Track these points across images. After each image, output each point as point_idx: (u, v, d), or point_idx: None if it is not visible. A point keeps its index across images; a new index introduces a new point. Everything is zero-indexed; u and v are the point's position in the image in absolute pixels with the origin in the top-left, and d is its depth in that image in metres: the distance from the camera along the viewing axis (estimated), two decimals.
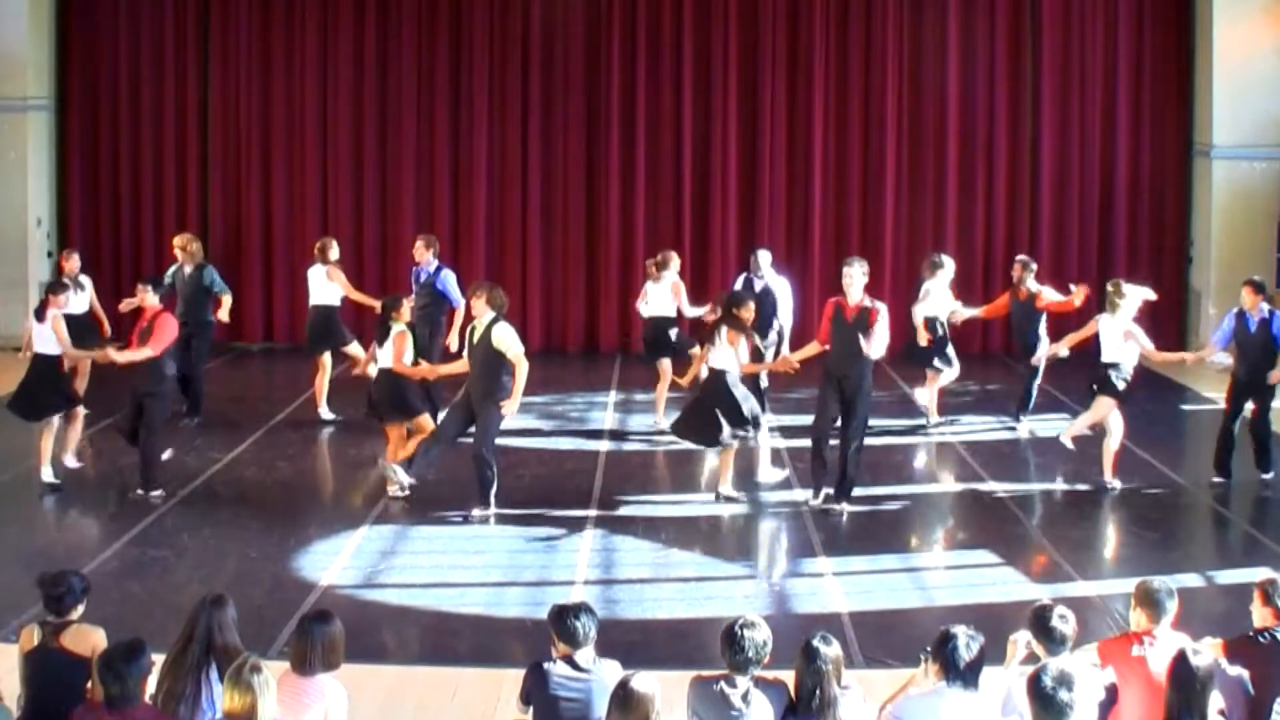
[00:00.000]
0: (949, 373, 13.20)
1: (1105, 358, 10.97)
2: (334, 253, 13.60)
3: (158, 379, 10.74)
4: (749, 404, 10.67)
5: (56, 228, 18.02)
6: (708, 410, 10.62)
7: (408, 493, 10.54)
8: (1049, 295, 13.01)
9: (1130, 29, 17.53)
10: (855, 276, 10.38)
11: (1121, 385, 10.93)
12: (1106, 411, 11.00)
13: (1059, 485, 11.58)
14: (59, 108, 17.94)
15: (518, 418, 13.71)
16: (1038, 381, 13.17)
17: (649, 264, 13.58)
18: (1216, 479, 11.26)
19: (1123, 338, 10.89)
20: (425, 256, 13.27)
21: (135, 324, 11.01)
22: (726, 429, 10.51)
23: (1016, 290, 13.12)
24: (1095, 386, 11.09)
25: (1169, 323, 16.53)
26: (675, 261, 13.30)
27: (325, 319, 13.54)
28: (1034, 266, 13.28)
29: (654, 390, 13.35)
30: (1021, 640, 5.67)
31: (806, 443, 10.83)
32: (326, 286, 13.50)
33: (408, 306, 11.03)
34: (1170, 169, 17.69)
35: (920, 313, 13.13)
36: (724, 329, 10.60)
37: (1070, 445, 11.26)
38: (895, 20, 17.53)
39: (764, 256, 12.92)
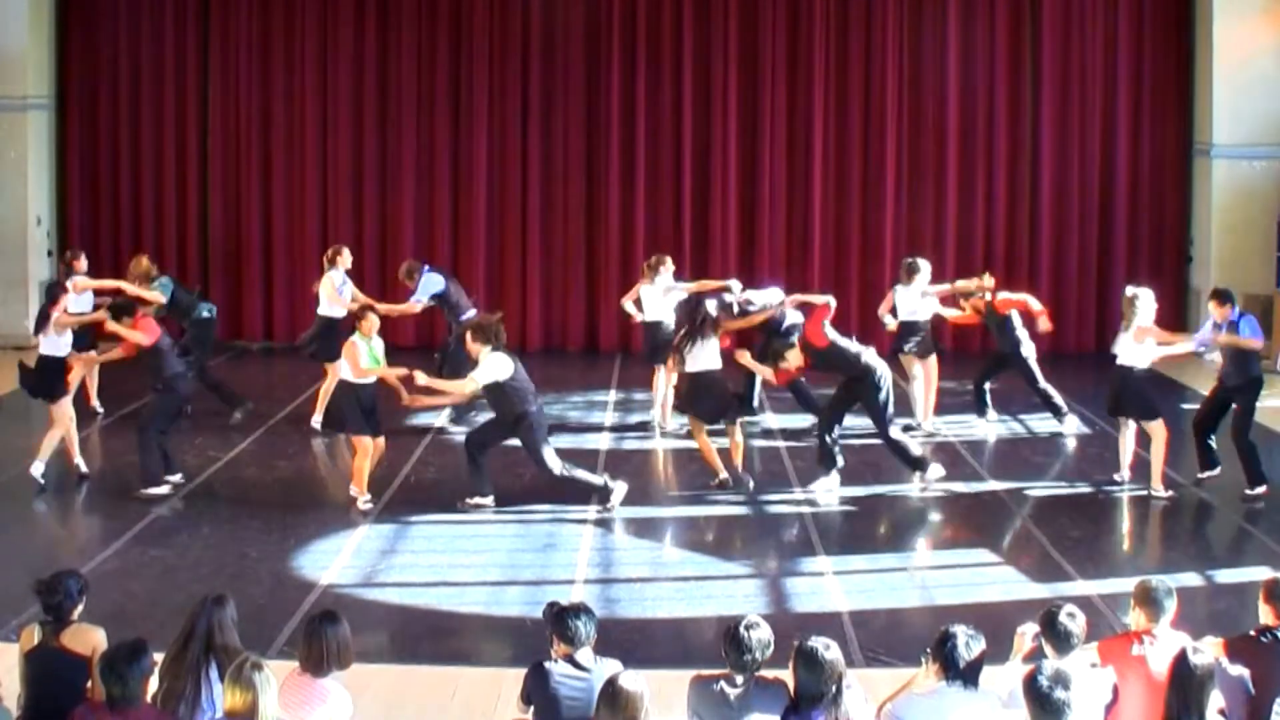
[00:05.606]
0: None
1: (1122, 362, 10.83)
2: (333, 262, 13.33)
3: (155, 374, 10.79)
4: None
5: (56, 227, 18.02)
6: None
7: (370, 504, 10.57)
8: (1003, 296, 12.87)
9: (1130, 29, 17.52)
10: None
11: (1153, 400, 10.84)
12: (1163, 431, 10.84)
13: (1059, 485, 11.58)
14: (59, 107, 17.94)
15: None
16: (1041, 381, 13.05)
17: (646, 266, 13.51)
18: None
19: (1135, 339, 10.71)
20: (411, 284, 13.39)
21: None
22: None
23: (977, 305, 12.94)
24: (1138, 413, 10.89)
25: (1169, 323, 16.47)
26: (668, 265, 13.27)
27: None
28: (985, 281, 13.00)
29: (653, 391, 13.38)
30: (1030, 633, 5.69)
31: (804, 443, 10.83)
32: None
33: (373, 319, 10.74)
34: (1170, 169, 17.68)
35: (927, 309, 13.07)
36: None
37: (1165, 492, 10.91)
38: (895, 20, 17.52)
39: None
